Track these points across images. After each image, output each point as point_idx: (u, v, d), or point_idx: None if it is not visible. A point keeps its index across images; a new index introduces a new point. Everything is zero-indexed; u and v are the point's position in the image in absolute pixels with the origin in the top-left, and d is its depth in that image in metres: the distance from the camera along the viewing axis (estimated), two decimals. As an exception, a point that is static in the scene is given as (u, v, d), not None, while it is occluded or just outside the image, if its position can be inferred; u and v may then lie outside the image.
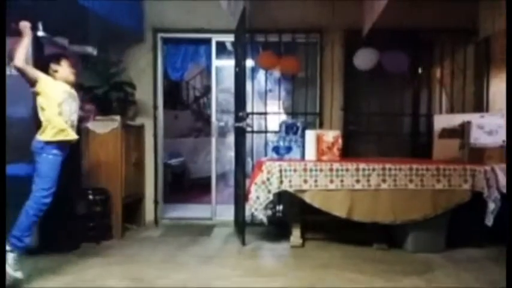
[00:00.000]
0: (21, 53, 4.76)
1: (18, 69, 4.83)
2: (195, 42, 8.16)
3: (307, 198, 6.12)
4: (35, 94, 5.02)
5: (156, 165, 7.95)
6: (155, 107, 7.89)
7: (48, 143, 4.97)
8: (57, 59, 5.29)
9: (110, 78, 7.13)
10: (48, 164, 4.97)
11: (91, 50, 7.07)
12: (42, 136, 4.97)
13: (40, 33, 5.82)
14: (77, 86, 5.62)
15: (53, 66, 5.20)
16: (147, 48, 7.87)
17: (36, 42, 5.62)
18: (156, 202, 7.92)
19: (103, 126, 6.78)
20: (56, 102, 5.02)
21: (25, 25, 4.89)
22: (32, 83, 4.95)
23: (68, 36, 6.55)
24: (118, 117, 6.83)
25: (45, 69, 5.12)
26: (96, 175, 6.78)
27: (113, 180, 6.78)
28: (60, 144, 5.05)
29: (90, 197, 6.51)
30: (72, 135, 5.20)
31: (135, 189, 7.49)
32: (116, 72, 7.29)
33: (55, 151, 5.00)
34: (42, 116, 5.01)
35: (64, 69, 5.26)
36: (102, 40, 7.35)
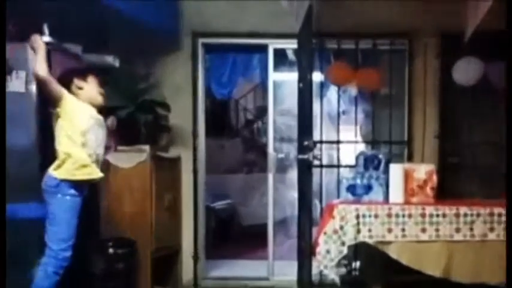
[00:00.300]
0: (41, 63, 4.85)
1: (40, 81, 4.91)
2: (247, 49, 8.19)
3: (392, 252, 6.06)
4: (56, 116, 5.07)
5: (196, 209, 7.91)
6: (195, 135, 7.88)
7: (64, 180, 4.99)
8: (82, 74, 5.37)
9: (137, 97, 7.14)
10: (65, 207, 5.01)
11: (111, 61, 6.94)
12: (58, 172, 5.01)
13: (46, 39, 5.57)
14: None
15: (78, 82, 5.26)
16: (184, 57, 7.85)
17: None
18: (195, 257, 7.87)
19: (127, 159, 6.83)
20: (80, 130, 5.07)
21: (35, 39, 5.03)
22: (55, 101, 5.02)
23: (81, 42, 6.44)
24: (147, 147, 6.87)
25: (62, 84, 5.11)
26: (119, 222, 6.81)
27: (139, 228, 6.78)
28: (79, 183, 5.09)
29: (111, 250, 6.49)
30: (96, 173, 5.27)
31: (168, 240, 7.47)
32: (144, 89, 7.31)
33: (73, 191, 5.04)
34: (59, 145, 5.05)
35: (91, 88, 5.35)
36: (126, 48, 7.35)
